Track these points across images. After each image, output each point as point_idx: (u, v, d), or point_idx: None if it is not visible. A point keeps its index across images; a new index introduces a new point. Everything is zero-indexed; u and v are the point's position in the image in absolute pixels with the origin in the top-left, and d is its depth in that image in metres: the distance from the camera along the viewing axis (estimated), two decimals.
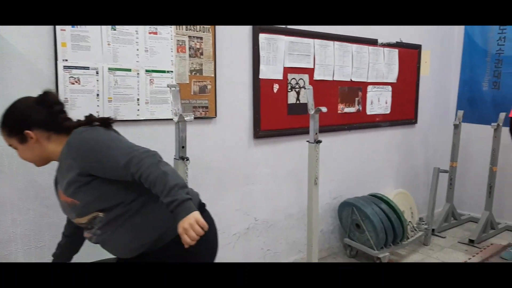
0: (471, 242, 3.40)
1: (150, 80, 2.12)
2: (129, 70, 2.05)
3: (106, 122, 1.38)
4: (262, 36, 2.56)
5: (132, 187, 1.30)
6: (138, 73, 2.08)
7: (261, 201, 2.66)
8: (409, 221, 3.27)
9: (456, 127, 3.64)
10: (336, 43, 2.93)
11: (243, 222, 2.57)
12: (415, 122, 3.69)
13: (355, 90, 3.12)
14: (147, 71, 2.11)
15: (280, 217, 2.77)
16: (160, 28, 2.13)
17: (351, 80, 3.07)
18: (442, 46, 3.84)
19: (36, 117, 1.30)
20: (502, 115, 3.33)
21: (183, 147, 1.80)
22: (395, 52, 3.35)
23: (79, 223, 1.36)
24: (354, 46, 3.04)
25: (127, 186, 1.29)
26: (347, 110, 3.08)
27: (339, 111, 3.03)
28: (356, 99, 3.13)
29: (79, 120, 1.39)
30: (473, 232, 3.47)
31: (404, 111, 3.56)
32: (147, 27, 2.08)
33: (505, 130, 3.19)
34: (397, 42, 3.34)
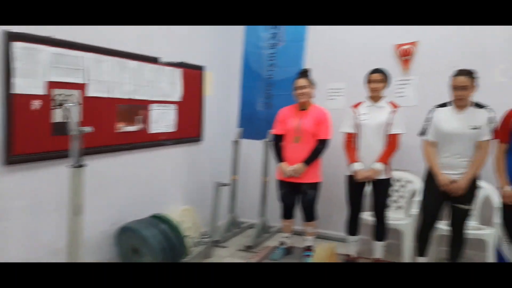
0: (248, 248, 3.74)
1: None
2: None
3: None
4: (18, 45, 2.19)
5: None
6: None
7: (16, 240, 2.25)
8: (193, 237, 3.37)
9: (236, 143, 3.97)
10: (113, 58, 2.77)
11: None
12: (201, 139, 3.85)
13: (136, 108, 3.02)
14: None
15: (43, 253, 2.41)
16: None
17: (131, 98, 2.95)
18: (224, 69, 4.15)
19: None
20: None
21: None
22: (178, 71, 3.41)
23: None
24: (133, 63, 2.94)
25: None
26: (127, 129, 2.95)
27: (117, 130, 2.87)
28: (138, 117, 3.04)
29: None
30: (250, 238, 3.84)
31: (190, 129, 3.67)
32: None
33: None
34: (179, 62, 3.41)
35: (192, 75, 3.60)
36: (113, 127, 2.83)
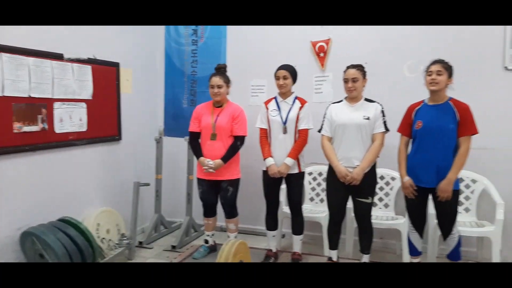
0: (173, 248, 3.67)
1: None
2: None
3: None
4: None
5: None
6: None
7: None
8: (109, 239, 3.26)
9: (158, 141, 3.88)
10: (5, 54, 2.60)
11: None
12: (120, 138, 3.73)
13: (37, 107, 2.85)
14: None
15: None
16: None
17: (30, 96, 2.79)
18: (145, 66, 4.04)
19: None
20: None
21: None
22: (88, 68, 3.27)
23: None
24: (31, 60, 2.78)
25: None
26: (27, 129, 2.78)
27: (15, 131, 2.70)
28: (40, 116, 2.88)
29: None
30: (176, 238, 3.77)
31: (106, 128, 3.54)
32: None
33: None
34: (89, 58, 3.28)
35: (105, 72, 3.46)
36: (10, 127, 2.66)
